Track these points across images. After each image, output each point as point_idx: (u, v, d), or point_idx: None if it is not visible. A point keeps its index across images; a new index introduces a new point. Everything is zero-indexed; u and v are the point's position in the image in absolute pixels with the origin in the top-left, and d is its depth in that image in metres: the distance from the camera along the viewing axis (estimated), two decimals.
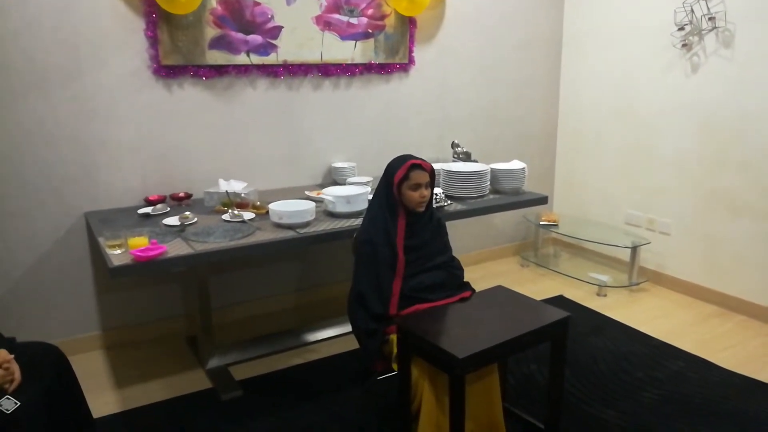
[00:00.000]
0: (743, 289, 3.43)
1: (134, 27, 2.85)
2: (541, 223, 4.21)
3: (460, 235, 3.95)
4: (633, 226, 3.99)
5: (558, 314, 2.18)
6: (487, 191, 3.19)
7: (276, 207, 2.62)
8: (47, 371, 1.92)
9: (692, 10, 3.45)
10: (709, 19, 3.37)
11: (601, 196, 4.24)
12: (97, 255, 2.95)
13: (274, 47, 3.17)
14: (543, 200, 3.27)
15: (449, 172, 3.12)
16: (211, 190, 2.95)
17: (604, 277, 3.88)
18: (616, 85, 4.01)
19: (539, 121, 4.38)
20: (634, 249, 3.78)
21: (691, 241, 3.67)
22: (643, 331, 3.21)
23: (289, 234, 2.53)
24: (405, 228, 2.30)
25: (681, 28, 3.53)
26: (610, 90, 4.05)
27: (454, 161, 3.47)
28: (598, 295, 3.73)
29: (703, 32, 3.44)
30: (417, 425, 2.12)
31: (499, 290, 2.41)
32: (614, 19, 3.95)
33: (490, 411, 2.18)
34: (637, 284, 3.84)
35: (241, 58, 3.10)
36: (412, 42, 3.62)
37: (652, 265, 3.90)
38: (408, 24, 3.57)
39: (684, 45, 3.54)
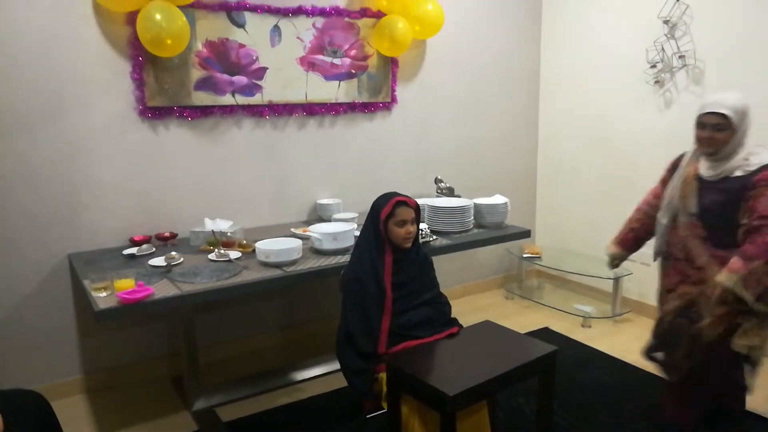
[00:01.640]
0: None
1: (120, 69, 2.88)
2: (525, 255, 4.26)
3: (445, 269, 3.97)
4: None
5: (545, 348, 2.21)
6: (471, 226, 3.23)
7: (263, 246, 2.63)
8: (30, 419, 1.88)
9: (663, 49, 3.59)
10: (680, 57, 3.51)
11: (582, 227, 4.31)
12: (80, 296, 2.91)
13: (259, 88, 3.23)
14: (526, 234, 3.32)
15: (434, 208, 3.17)
16: (197, 230, 2.95)
17: (588, 308, 3.92)
18: (592, 119, 4.12)
19: (519, 156, 4.47)
20: (617, 280, 3.84)
21: None
22: (629, 362, 3.24)
23: (276, 273, 2.53)
24: (392, 264, 2.32)
25: (653, 66, 3.66)
26: (587, 125, 4.16)
27: (437, 196, 3.52)
28: (583, 326, 3.76)
29: (674, 69, 3.57)
30: None
31: (487, 325, 2.43)
32: (589, 57, 4.09)
33: None
34: (621, 315, 3.88)
35: (227, 99, 3.14)
36: (394, 81, 3.70)
37: (635, 295, 3.95)
38: (390, 64, 3.65)
39: (656, 81, 3.67)
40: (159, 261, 2.62)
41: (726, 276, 2.24)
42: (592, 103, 4.11)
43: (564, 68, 4.28)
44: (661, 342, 2.58)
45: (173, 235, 2.99)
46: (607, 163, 4.06)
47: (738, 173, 2.30)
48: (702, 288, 2.38)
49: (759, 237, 2.21)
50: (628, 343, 3.51)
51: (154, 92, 2.95)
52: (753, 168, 2.28)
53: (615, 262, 2.88)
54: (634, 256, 3.81)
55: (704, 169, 2.41)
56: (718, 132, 2.31)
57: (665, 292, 2.58)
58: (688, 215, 2.42)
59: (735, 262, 2.24)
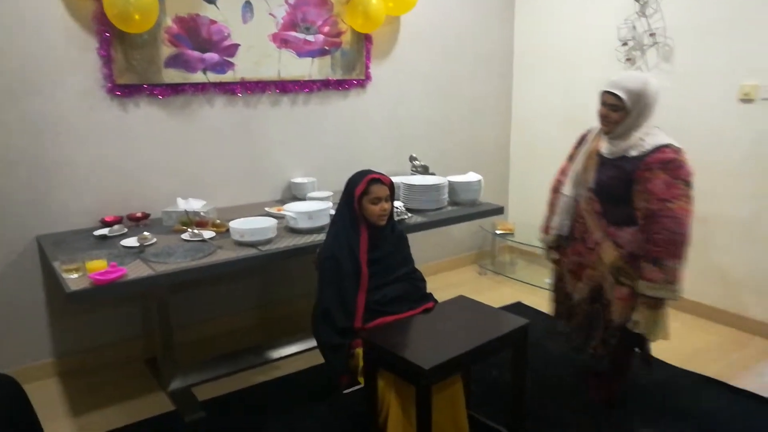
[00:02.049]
0: (688, 290, 3.56)
1: (87, 46, 2.80)
2: (497, 232, 4.31)
3: (420, 246, 4.00)
4: None
5: (517, 321, 2.25)
6: (446, 203, 3.26)
7: (237, 225, 2.62)
8: (2, 403, 1.86)
9: (634, 27, 3.62)
10: (650, 35, 3.55)
11: None
12: (51, 279, 2.87)
13: (231, 65, 3.18)
14: (499, 210, 3.36)
15: (409, 186, 3.18)
16: (170, 210, 2.91)
17: None
18: (565, 97, 4.16)
19: (493, 133, 4.50)
20: None
21: None
22: None
23: (251, 252, 2.52)
24: (368, 241, 2.34)
25: (624, 43, 3.70)
26: (560, 102, 4.20)
27: (412, 174, 3.53)
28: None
29: (645, 47, 3.61)
30: None
31: (461, 300, 2.47)
32: (562, 35, 4.11)
33: (456, 419, 2.22)
34: None
35: (198, 76, 3.09)
36: (368, 58, 3.67)
37: None
38: (364, 41, 3.62)
39: (628, 59, 3.71)
40: (131, 241, 2.59)
41: (646, 286, 2.28)
42: (565, 80, 4.14)
43: (537, 46, 4.29)
44: (579, 331, 2.61)
45: (145, 216, 2.95)
46: None
47: (633, 153, 2.33)
48: (603, 271, 2.44)
49: (658, 233, 2.23)
50: None
51: (123, 69, 2.88)
52: (647, 149, 2.31)
53: (551, 246, 2.79)
54: None
55: (604, 146, 2.45)
56: (612, 111, 2.35)
57: (568, 273, 2.62)
58: (587, 190, 2.47)
59: (649, 271, 2.26)
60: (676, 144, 2.32)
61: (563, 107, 4.18)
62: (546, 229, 2.75)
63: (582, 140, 2.64)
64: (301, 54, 3.40)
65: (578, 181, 2.54)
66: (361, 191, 2.31)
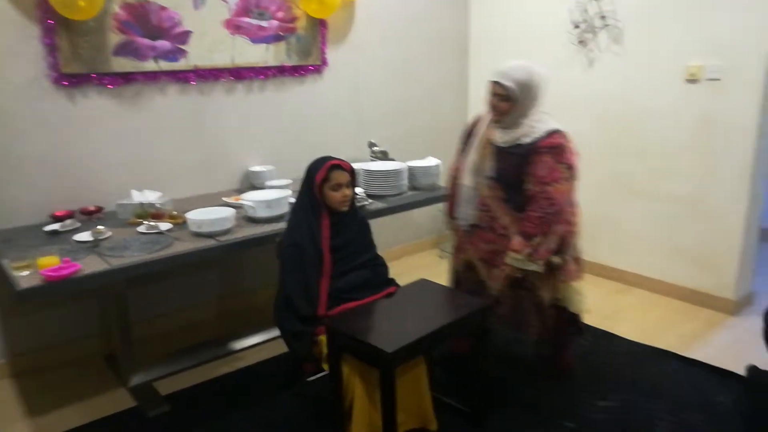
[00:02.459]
0: (641, 266, 3.72)
1: (29, 34, 2.69)
2: None
3: (381, 232, 4.00)
4: None
5: (478, 303, 2.30)
6: (405, 188, 3.27)
7: (194, 216, 2.58)
8: None
9: (586, 9, 3.69)
10: (601, 17, 3.62)
11: None
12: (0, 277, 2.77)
13: (183, 52, 3.10)
14: None
15: (369, 172, 3.18)
16: (124, 202, 2.85)
17: None
18: None
19: (451, 117, 4.52)
20: None
21: (594, 224, 3.93)
22: None
23: (210, 243, 2.49)
24: (330, 228, 2.34)
25: (577, 26, 3.76)
26: None
27: (372, 160, 3.53)
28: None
29: (597, 30, 3.68)
30: (350, 422, 2.16)
31: (422, 283, 2.50)
32: (516, 17, 4.15)
33: (420, 401, 2.26)
34: None
35: (149, 65, 3.01)
36: (324, 43, 3.64)
37: None
38: (319, 26, 3.59)
39: (580, 41, 3.78)
40: (85, 236, 2.52)
41: (512, 257, 2.38)
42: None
43: (492, 29, 4.33)
44: (511, 318, 2.60)
45: (99, 209, 2.88)
46: None
47: (526, 140, 2.39)
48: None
49: (534, 211, 2.34)
50: None
51: (69, 58, 2.78)
52: (539, 134, 2.38)
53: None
54: None
55: (498, 135, 2.48)
56: (501, 101, 2.40)
57: (479, 262, 2.60)
58: (486, 178, 2.51)
59: (517, 242, 2.37)
60: (564, 129, 2.41)
61: None
62: (450, 213, 2.78)
63: (472, 129, 2.66)
64: (255, 40, 3.35)
65: (477, 171, 2.55)
66: (321, 178, 2.30)
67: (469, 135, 2.67)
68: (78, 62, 2.80)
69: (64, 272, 2.11)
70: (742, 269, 3.32)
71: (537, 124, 2.40)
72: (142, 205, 2.79)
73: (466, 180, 2.59)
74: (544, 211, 2.33)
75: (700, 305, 3.45)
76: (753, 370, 2.14)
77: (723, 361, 2.81)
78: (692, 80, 3.30)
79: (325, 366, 2.23)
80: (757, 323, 2.27)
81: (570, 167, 2.36)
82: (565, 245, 2.46)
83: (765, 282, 3.62)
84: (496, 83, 2.40)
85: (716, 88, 3.22)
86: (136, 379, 2.76)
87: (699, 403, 2.50)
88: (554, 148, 2.34)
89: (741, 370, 2.27)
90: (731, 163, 3.22)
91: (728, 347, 2.99)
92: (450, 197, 2.78)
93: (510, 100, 2.37)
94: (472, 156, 2.57)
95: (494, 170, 2.48)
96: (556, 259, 2.44)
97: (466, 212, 2.62)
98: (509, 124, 2.43)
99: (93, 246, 2.43)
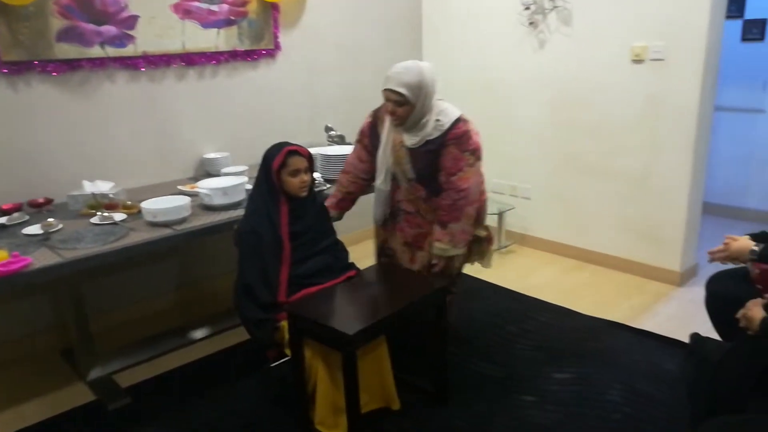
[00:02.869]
0: (595, 243, 3.84)
1: None
2: None
3: None
4: (498, 193, 4.29)
5: (437, 283, 2.34)
6: None
7: (149, 205, 2.54)
8: None
9: None
10: None
11: None
12: None
13: (131, 38, 3.02)
14: None
15: (326, 156, 3.18)
16: (75, 193, 2.77)
17: None
18: (474, 62, 4.25)
19: None
20: (500, 215, 4.09)
21: (550, 203, 4.04)
22: (513, 289, 3.51)
23: (166, 232, 2.46)
24: (288, 214, 2.33)
25: (527, 8, 3.82)
26: (470, 68, 4.29)
27: (329, 145, 3.52)
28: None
29: (546, 11, 3.75)
30: (314, 405, 2.19)
31: (382, 267, 2.53)
32: (469, 0, 4.18)
33: (383, 382, 2.30)
34: (506, 247, 4.16)
35: (95, 51, 2.92)
36: (276, 27, 3.60)
37: (518, 228, 4.24)
38: (271, 9, 3.54)
39: (531, 23, 3.84)
40: (34, 229, 2.44)
41: (437, 248, 2.45)
42: (472, 45, 4.23)
43: (444, 11, 4.35)
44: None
45: (48, 201, 2.79)
46: (488, 104, 4.23)
47: (435, 135, 2.42)
48: None
49: (444, 200, 2.42)
50: (512, 272, 3.79)
51: (9, 45, 2.67)
52: (446, 127, 2.41)
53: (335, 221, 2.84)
54: (516, 191, 4.12)
55: (406, 138, 2.47)
56: (398, 107, 2.40)
57: (402, 245, 2.63)
58: (407, 181, 2.54)
59: (438, 233, 2.45)
60: (465, 115, 2.45)
61: (471, 71, 4.28)
62: (338, 206, 2.74)
63: (370, 129, 2.63)
64: (206, 25, 3.28)
65: (396, 174, 2.55)
66: (279, 164, 2.29)
67: (369, 132, 2.63)
68: (19, 49, 2.70)
69: (14, 267, 2.05)
70: (687, 242, 3.47)
71: (441, 118, 2.41)
72: (94, 195, 2.72)
73: (382, 184, 2.58)
74: (453, 198, 2.40)
75: (649, 278, 3.59)
76: (695, 337, 2.25)
77: (670, 330, 2.95)
78: (637, 60, 3.40)
79: (288, 351, 2.24)
80: (701, 293, 2.38)
81: (474, 151, 2.41)
82: (481, 218, 2.62)
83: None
84: (389, 90, 2.38)
85: (660, 68, 3.32)
86: (94, 373, 2.72)
87: (648, 371, 2.62)
88: (460, 138, 2.39)
89: (686, 338, 2.39)
90: (676, 141, 3.34)
91: (675, 317, 3.13)
92: (338, 187, 2.74)
93: (407, 104, 2.37)
94: (385, 160, 2.54)
95: (413, 172, 2.49)
96: (482, 232, 2.62)
97: (383, 212, 2.66)
98: (412, 126, 2.43)
99: (44, 239, 2.37)
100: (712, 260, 2.22)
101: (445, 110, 2.44)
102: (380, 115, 2.59)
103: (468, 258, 2.69)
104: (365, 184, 2.73)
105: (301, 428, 2.27)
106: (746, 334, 1.87)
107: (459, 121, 2.42)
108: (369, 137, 2.64)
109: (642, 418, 2.32)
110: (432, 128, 2.41)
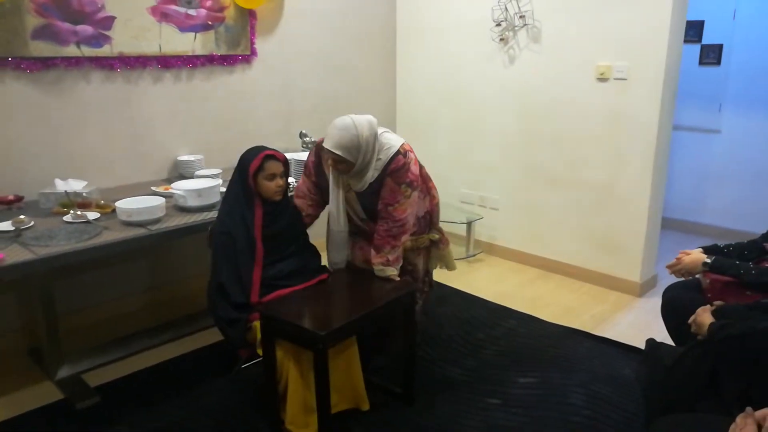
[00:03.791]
0: (560, 253, 3.97)
1: None
2: None
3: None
4: (467, 203, 4.40)
5: (406, 286, 2.41)
6: None
7: (124, 205, 2.55)
8: None
9: (506, 9, 3.87)
10: (520, 16, 3.82)
11: (437, 177, 4.52)
12: None
13: (107, 38, 3.03)
14: None
15: (300, 162, 3.22)
16: (47, 191, 2.76)
17: None
18: (447, 76, 4.36)
19: (379, 109, 4.62)
20: (469, 224, 4.19)
21: (516, 214, 4.16)
22: (481, 296, 3.59)
23: (140, 232, 2.47)
24: (263, 217, 2.37)
25: (498, 24, 3.94)
26: (442, 80, 4.40)
27: (303, 151, 3.57)
28: (441, 267, 4.07)
29: (516, 28, 3.88)
30: (285, 404, 2.23)
31: (352, 270, 2.59)
32: (441, 14, 4.29)
33: (353, 382, 2.35)
34: (474, 255, 4.26)
35: (71, 50, 2.92)
36: (253, 34, 3.64)
37: (486, 238, 4.34)
38: (248, 16, 3.58)
39: (501, 39, 3.96)
40: (5, 226, 2.43)
41: (376, 269, 2.50)
42: (446, 59, 4.34)
43: (418, 23, 4.45)
44: None
45: (18, 198, 2.77)
46: (459, 116, 4.34)
47: (377, 174, 2.46)
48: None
49: (381, 226, 2.48)
50: (480, 280, 3.89)
51: None
52: (385, 163, 2.45)
53: None
54: (484, 201, 4.22)
55: (353, 183, 2.49)
56: (339, 164, 2.41)
57: (363, 263, 2.61)
58: (360, 220, 2.61)
59: (373, 256, 2.51)
60: (404, 145, 2.50)
61: (443, 82, 4.39)
62: None
63: (316, 166, 2.62)
64: (183, 29, 3.31)
65: (348, 213, 2.60)
66: (255, 168, 2.33)
67: (314, 174, 2.64)
68: None
69: None
70: (647, 254, 3.62)
71: (382, 156, 2.44)
72: (67, 194, 2.71)
73: (338, 226, 2.58)
74: (389, 226, 2.46)
75: (610, 288, 3.72)
76: (650, 342, 2.37)
77: (629, 338, 3.07)
78: (602, 79, 3.54)
79: (260, 351, 2.27)
80: (659, 303, 2.52)
81: (410, 183, 2.44)
82: (434, 222, 2.76)
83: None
84: (328, 150, 2.38)
85: (623, 86, 3.47)
86: (62, 372, 2.70)
87: (607, 376, 2.73)
88: (396, 171, 2.42)
89: (643, 345, 2.50)
90: (637, 156, 3.49)
91: (633, 325, 3.26)
92: (307, 216, 2.69)
93: (347, 162, 2.40)
94: (337, 204, 2.55)
95: (364, 213, 2.56)
96: (435, 236, 2.75)
97: (342, 255, 2.65)
98: (357, 174, 2.45)
99: (15, 236, 2.36)
100: (671, 273, 2.39)
101: (384, 145, 2.45)
102: (323, 155, 2.55)
103: (428, 263, 2.80)
104: (324, 204, 2.70)
105: (272, 428, 2.31)
106: (696, 339, 2.00)
107: (398, 154, 2.43)
108: (315, 175, 2.64)
109: (601, 419, 2.42)
110: (374, 170, 2.44)
